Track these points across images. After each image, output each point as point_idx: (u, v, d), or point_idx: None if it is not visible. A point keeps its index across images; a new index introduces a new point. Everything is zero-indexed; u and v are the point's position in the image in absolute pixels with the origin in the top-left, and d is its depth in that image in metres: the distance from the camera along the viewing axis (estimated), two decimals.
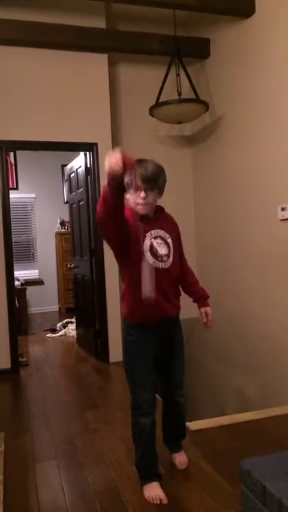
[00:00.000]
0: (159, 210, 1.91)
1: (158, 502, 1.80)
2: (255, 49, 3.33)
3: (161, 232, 1.84)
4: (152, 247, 1.79)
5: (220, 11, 3.46)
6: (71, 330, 5.23)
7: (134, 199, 1.76)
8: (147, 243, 1.78)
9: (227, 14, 3.50)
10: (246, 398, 3.62)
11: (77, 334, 4.86)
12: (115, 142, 4.01)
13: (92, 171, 3.96)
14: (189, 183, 4.45)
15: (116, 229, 1.66)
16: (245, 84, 3.49)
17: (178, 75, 3.65)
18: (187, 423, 2.35)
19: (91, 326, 4.16)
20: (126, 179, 1.59)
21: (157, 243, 1.81)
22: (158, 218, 1.87)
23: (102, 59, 3.88)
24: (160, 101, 3.61)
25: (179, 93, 3.63)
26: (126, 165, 1.37)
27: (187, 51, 3.81)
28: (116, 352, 3.96)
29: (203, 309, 2.01)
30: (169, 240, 1.86)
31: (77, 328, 4.82)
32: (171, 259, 1.84)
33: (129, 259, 1.78)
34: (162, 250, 1.81)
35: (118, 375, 3.70)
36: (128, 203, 1.76)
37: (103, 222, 1.64)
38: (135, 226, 1.75)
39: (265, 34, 3.21)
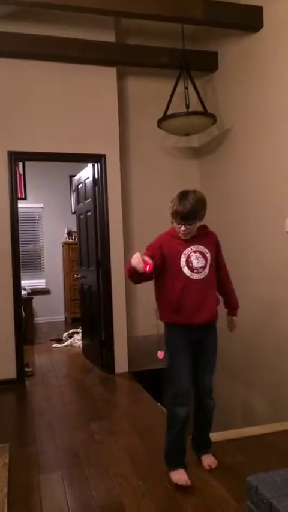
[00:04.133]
0: (202, 228, 2.14)
1: (185, 484, 2.00)
2: (263, 63, 3.36)
3: (200, 247, 2.09)
4: (187, 261, 2.05)
5: (228, 25, 3.50)
6: (77, 340, 5.22)
7: (178, 229, 2.05)
8: (183, 259, 2.05)
9: (236, 28, 3.54)
10: (253, 413, 3.57)
11: (82, 344, 4.85)
12: (123, 153, 4.04)
13: (99, 182, 3.98)
14: None
15: (146, 280, 2.02)
16: (252, 97, 3.52)
17: (186, 88, 3.68)
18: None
19: (97, 336, 4.15)
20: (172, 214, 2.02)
21: (195, 256, 2.07)
22: (200, 236, 2.11)
23: (111, 72, 3.94)
24: (168, 113, 3.65)
25: (187, 106, 3.66)
26: (145, 262, 1.84)
27: (195, 64, 3.84)
28: (121, 363, 3.95)
29: (229, 317, 2.34)
30: (208, 255, 2.10)
31: (83, 338, 4.81)
32: (206, 270, 2.09)
33: (167, 275, 2.07)
34: (198, 263, 2.07)
35: (123, 386, 3.68)
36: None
37: (134, 282, 2.08)
38: (174, 248, 2.06)
39: (273, 48, 3.24)
